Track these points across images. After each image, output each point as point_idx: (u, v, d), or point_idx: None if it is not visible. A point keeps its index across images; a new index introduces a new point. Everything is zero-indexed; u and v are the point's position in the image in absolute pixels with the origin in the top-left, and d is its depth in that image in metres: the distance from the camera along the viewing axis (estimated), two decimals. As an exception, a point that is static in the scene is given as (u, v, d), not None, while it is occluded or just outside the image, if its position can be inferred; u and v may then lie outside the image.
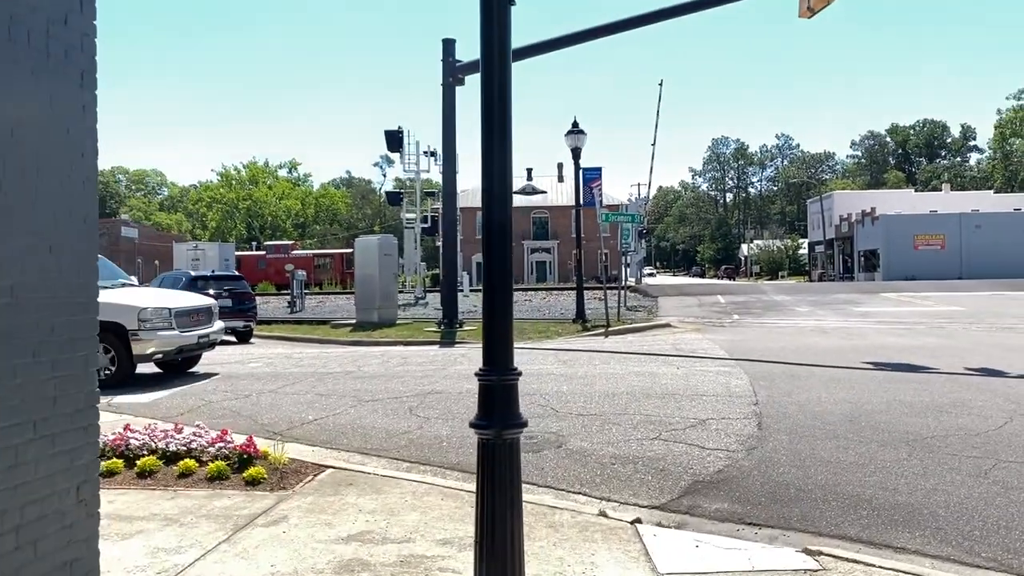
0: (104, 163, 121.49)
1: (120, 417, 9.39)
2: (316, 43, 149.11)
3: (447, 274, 19.15)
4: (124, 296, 11.92)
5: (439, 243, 43.87)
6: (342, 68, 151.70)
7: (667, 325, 20.22)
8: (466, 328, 18.70)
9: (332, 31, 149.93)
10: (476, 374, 3.75)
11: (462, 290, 35.44)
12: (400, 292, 38.16)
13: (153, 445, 6.78)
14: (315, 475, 6.60)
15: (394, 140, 32.20)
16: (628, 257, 40.48)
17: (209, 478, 6.36)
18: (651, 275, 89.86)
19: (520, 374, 3.79)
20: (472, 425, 3.70)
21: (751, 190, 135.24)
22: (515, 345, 13.48)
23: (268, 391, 10.87)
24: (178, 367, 13.06)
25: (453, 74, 17.93)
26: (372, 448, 7.85)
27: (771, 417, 8.60)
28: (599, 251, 22.14)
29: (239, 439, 7.02)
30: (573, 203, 22.29)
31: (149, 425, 7.22)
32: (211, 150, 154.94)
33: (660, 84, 46.34)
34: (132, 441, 6.77)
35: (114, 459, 6.60)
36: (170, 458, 6.70)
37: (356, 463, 7.22)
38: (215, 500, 5.90)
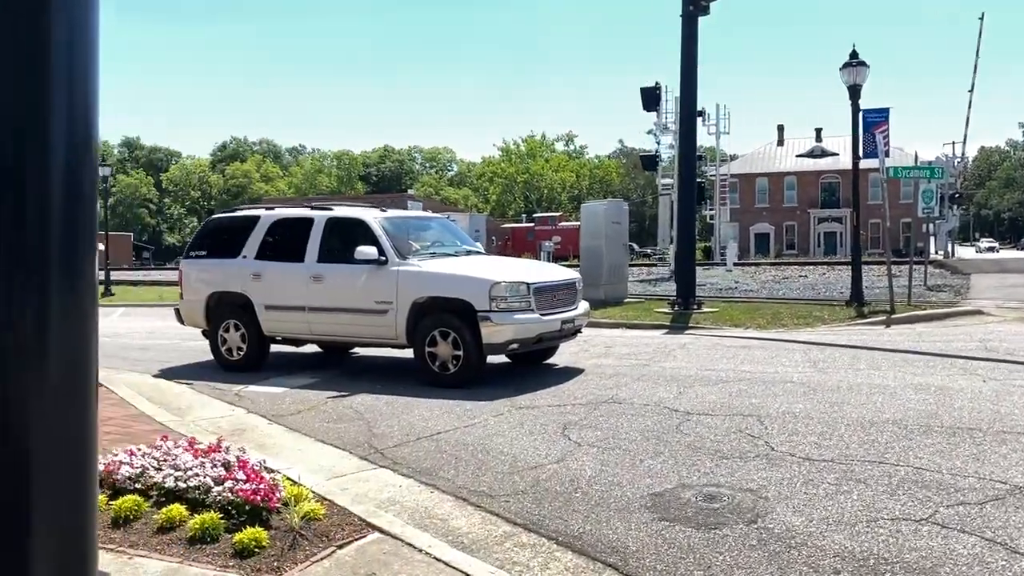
0: (402, 143, 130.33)
1: (227, 414, 7.85)
2: (586, 14, 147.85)
3: (684, 244, 16.11)
4: (471, 266, 9.51)
5: (706, 211, 40.36)
6: (609, 36, 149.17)
7: (977, 312, 15.53)
8: (705, 311, 15.55)
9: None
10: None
11: (724, 264, 31.81)
12: (652, 266, 35.38)
13: (149, 477, 4.90)
14: (341, 546, 4.33)
15: (651, 98, 29.19)
16: (933, 225, 34.06)
17: (190, 539, 4.33)
18: (991, 250, 71.10)
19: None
20: None
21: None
22: (758, 335, 9.86)
23: (412, 386, 8.84)
24: (533, 360, 10.20)
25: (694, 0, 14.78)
26: (478, 490, 5.43)
27: None
28: (883, 215, 17.56)
29: (271, 476, 4.93)
30: (868, 167, 18.13)
31: (161, 447, 5.37)
32: (495, 126, 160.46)
33: (980, 19, 38.48)
34: (124, 470, 4.94)
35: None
36: (168, 496, 4.78)
37: (425, 523, 4.84)
38: (154, 587, 3.83)
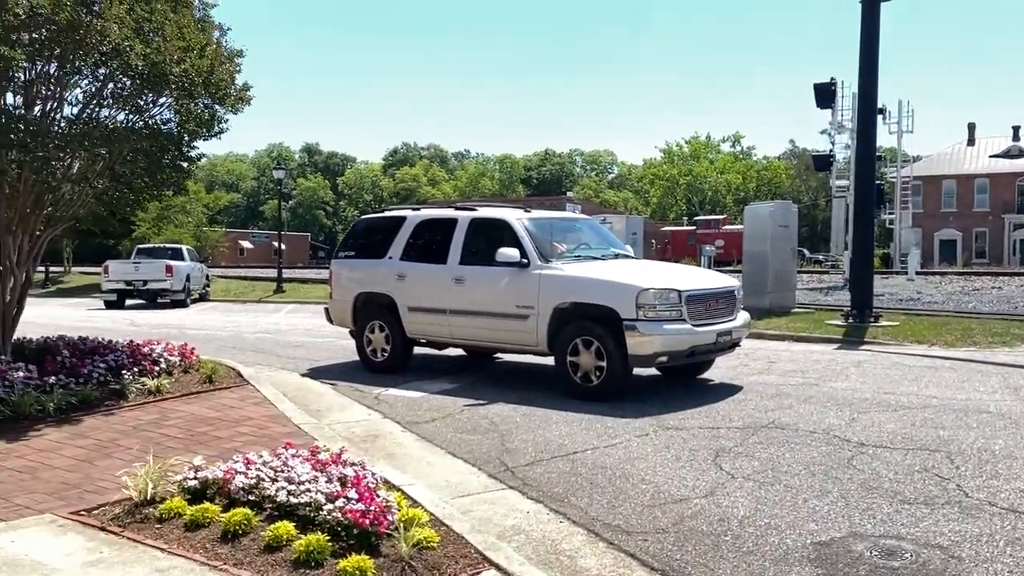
0: (564, 146, 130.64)
1: (364, 419, 7.66)
2: (755, 10, 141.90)
3: (860, 250, 14.69)
4: (618, 271, 8.86)
5: (885, 215, 37.43)
6: (780, 31, 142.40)
7: None
8: (883, 324, 14.05)
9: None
10: None
11: (905, 272, 29.27)
12: (823, 274, 33.10)
13: (263, 489, 4.66)
14: (451, 583, 3.89)
15: (825, 94, 27.38)
16: None
17: (295, 561, 4.02)
18: None
19: None
20: None
21: None
22: (946, 354, 8.57)
23: (552, 397, 8.33)
24: (685, 375, 9.38)
25: (876, -16, 13.42)
26: (613, 523, 4.85)
27: None
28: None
29: (384, 496, 4.57)
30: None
31: (282, 455, 5.13)
32: (658, 128, 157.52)
33: None
34: (239, 480, 4.73)
35: (207, 504, 4.62)
36: (280, 511, 4.52)
37: (549, 559, 4.32)
38: (246, 616, 3.52)
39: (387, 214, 11.52)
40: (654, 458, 6.11)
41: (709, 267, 27.80)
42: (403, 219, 10.65)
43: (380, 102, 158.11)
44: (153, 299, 25.69)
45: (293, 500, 4.48)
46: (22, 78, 8.33)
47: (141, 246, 30.04)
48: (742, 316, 9.17)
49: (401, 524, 4.24)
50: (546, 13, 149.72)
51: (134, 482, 4.85)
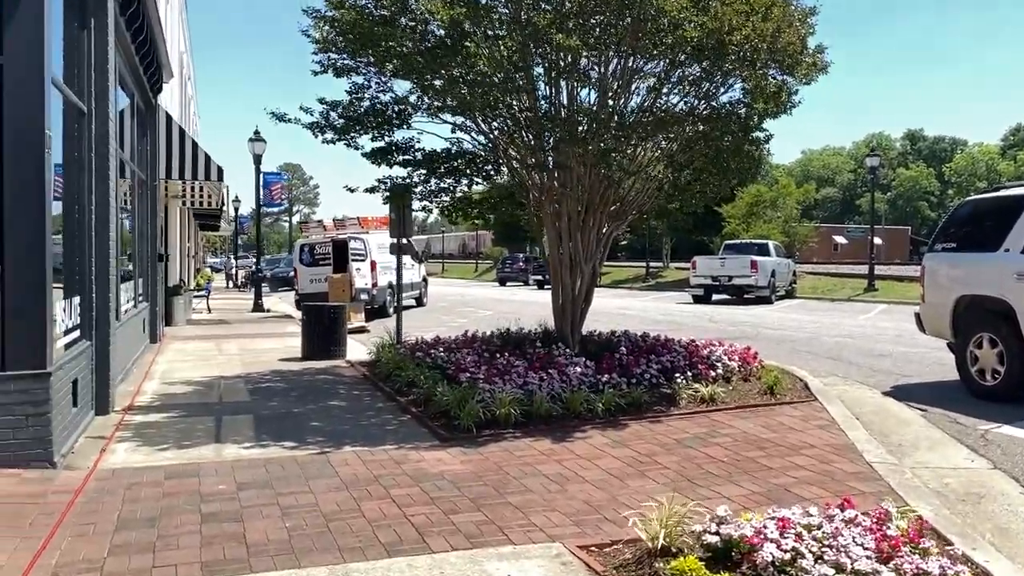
0: None
1: (962, 465, 5.74)
2: None
3: None
4: None
5: None
6: None
7: None
8: None
9: None
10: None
11: None
12: None
13: (800, 570, 3.34)
14: None
15: None
16: None
17: None
18: None
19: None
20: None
21: None
22: None
23: None
24: None
25: None
26: None
27: None
28: None
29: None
30: None
31: (834, 518, 3.69)
32: None
33: None
34: (768, 550, 3.47)
35: (730, 572, 3.48)
36: (820, 608, 3.17)
37: None
38: None
39: (1002, 193, 8.95)
40: None
41: None
42: None
43: (998, 77, 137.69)
44: (739, 295, 25.58)
45: (838, 598, 3.09)
46: (594, 76, 8.29)
47: (729, 242, 30.41)
48: None
49: None
50: None
51: (645, 524, 3.98)
